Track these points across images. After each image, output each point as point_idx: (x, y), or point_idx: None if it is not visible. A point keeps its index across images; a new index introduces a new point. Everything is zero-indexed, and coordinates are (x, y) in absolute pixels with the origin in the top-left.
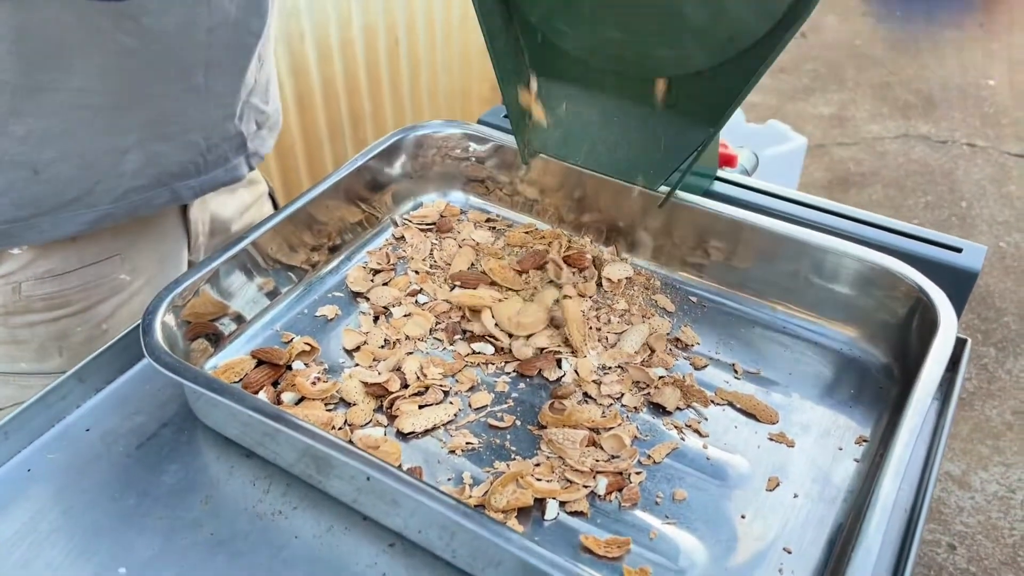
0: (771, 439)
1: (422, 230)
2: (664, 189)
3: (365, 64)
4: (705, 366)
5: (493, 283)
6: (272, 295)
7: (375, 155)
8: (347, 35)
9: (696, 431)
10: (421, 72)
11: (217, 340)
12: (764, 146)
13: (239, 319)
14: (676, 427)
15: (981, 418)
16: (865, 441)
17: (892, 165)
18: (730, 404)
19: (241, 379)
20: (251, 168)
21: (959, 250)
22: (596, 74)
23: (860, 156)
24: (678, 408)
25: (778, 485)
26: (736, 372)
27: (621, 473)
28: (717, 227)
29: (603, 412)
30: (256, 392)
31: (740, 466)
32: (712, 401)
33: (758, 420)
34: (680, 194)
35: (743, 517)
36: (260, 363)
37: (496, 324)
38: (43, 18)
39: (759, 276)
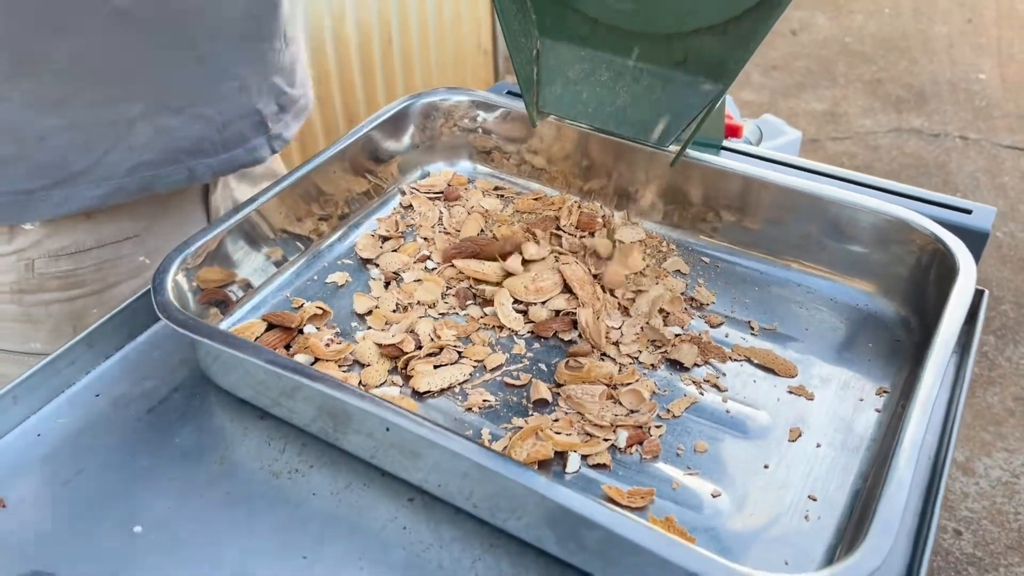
0: (790, 392)
1: (430, 199)
2: (674, 148)
3: (359, 63)
4: (721, 324)
5: (489, 256)
6: (280, 263)
7: (380, 123)
8: (341, 32)
9: (715, 386)
10: (415, 72)
11: (226, 307)
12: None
13: (247, 287)
14: (694, 382)
15: (983, 405)
16: (886, 392)
17: (886, 159)
18: (748, 360)
19: (254, 342)
20: (274, 151)
21: (969, 212)
22: (605, 33)
23: (854, 150)
24: (696, 364)
25: (800, 435)
26: (752, 329)
27: (641, 427)
28: (729, 185)
29: (620, 369)
30: None
31: (760, 419)
32: (729, 357)
33: (777, 374)
34: (691, 152)
35: (766, 467)
36: (271, 327)
37: (514, 300)
38: None
39: (772, 234)
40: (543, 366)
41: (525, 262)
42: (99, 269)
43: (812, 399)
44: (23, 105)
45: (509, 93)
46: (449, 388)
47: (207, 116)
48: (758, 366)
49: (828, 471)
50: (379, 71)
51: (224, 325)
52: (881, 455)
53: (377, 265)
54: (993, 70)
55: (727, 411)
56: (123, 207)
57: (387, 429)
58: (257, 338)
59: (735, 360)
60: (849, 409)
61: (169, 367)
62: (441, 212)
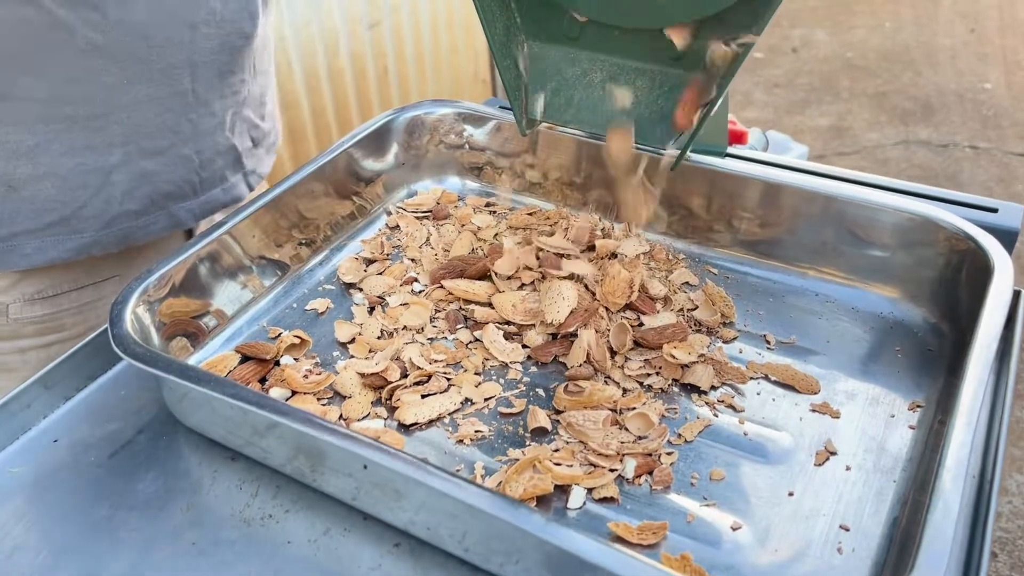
0: (814, 410)
1: (418, 218)
2: (674, 152)
3: (355, 95)
4: (734, 339)
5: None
6: (256, 290)
7: (361, 140)
8: (335, 64)
9: (730, 407)
10: (412, 99)
11: (197, 339)
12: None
13: (221, 316)
14: (707, 404)
15: (1012, 419)
16: (919, 407)
17: (894, 171)
18: (765, 377)
19: (225, 377)
20: (251, 188)
21: (995, 210)
22: (596, 32)
23: (861, 164)
24: (712, 387)
25: (827, 458)
26: (768, 343)
27: (650, 454)
28: (737, 190)
29: (624, 393)
30: None
31: (782, 441)
32: (747, 375)
33: (797, 391)
34: (695, 157)
35: (791, 495)
36: (246, 359)
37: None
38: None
39: (786, 240)
40: (541, 391)
41: (509, 278)
42: (78, 312)
43: (838, 417)
44: None
45: (502, 108)
46: (438, 419)
47: (186, 156)
48: (777, 383)
49: (861, 497)
50: (376, 103)
51: (195, 358)
52: (920, 477)
53: (361, 289)
54: (999, 79)
55: (744, 434)
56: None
57: (364, 467)
58: (230, 371)
59: (752, 378)
60: (880, 427)
61: (134, 408)
62: (430, 232)
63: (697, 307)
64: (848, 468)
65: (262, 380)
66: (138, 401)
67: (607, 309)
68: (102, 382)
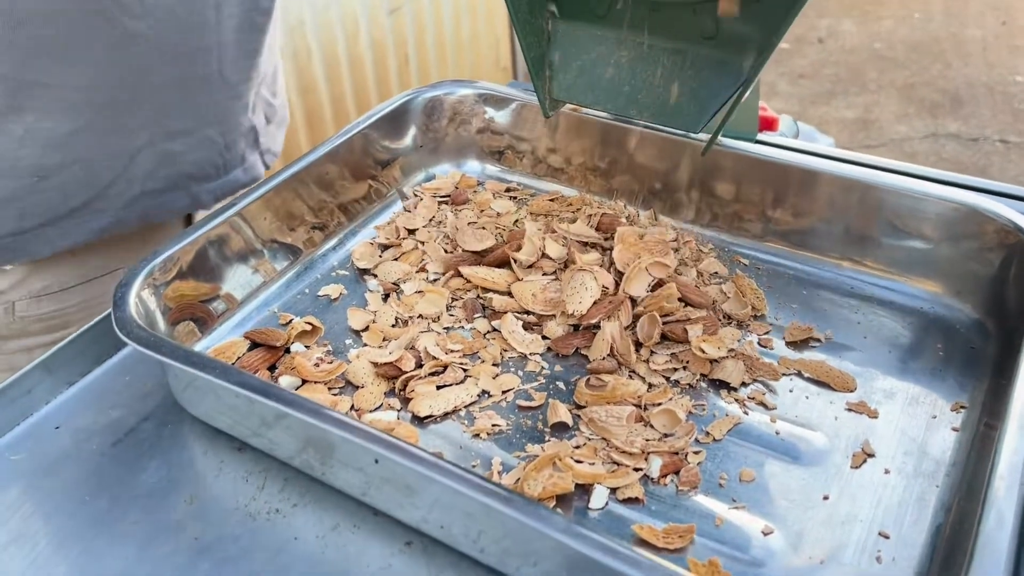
0: (850, 410)
1: (436, 202)
2: (705, 137)
3: (375, 83)
4: (766, 333)
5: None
6: (267, 275)
7: (377, 121)
8: (355, 52)
9: (761, 404)
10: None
11: (205, 324)
12: None
13: (230, 300)
14: (737, 400)
15: None
16: (963, 408)
17: (923, 165)
18: (798, 373)
19: (234, 363)
20: (267, 166)
21: None
22: (625, 7)
23: (888, 157)
24: (743, 383)
25: (865, 460)
26: (802, 338)
27: (677, 453)
28: (769, 176)
29: (649, 388)
30: None
31: (816, 441)
32: (779, 371)
33: (833, 389)
34: (724, 141)
35: (825, 498)
36: (255, 346)
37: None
38: (39, 3)
39: (821, 229)
40: (561, 384)
41: (530, 266)
42: (85, 307)
43: (876, 417)
44: (24, 141)
45: (524, 90)
46: (454, 411)
47: (210, 138)
48: (811, 380)
49: (901, 502)
50: (396, 90)
51: (203, 344)
52: (966, 483)
53: (375, 275)
54: None
55: (776, 432)
56: (111, 237)
57: (376, 461)
58: (238, 358)
59: (784, 374)
60: (920, 428)
61: (139, 395)
62: (447, 216)
63: (728, 299)
64: (887, 471)
65: (272, 368)
66: (143, 387)
67: (632, 300)
68: (106, 367)
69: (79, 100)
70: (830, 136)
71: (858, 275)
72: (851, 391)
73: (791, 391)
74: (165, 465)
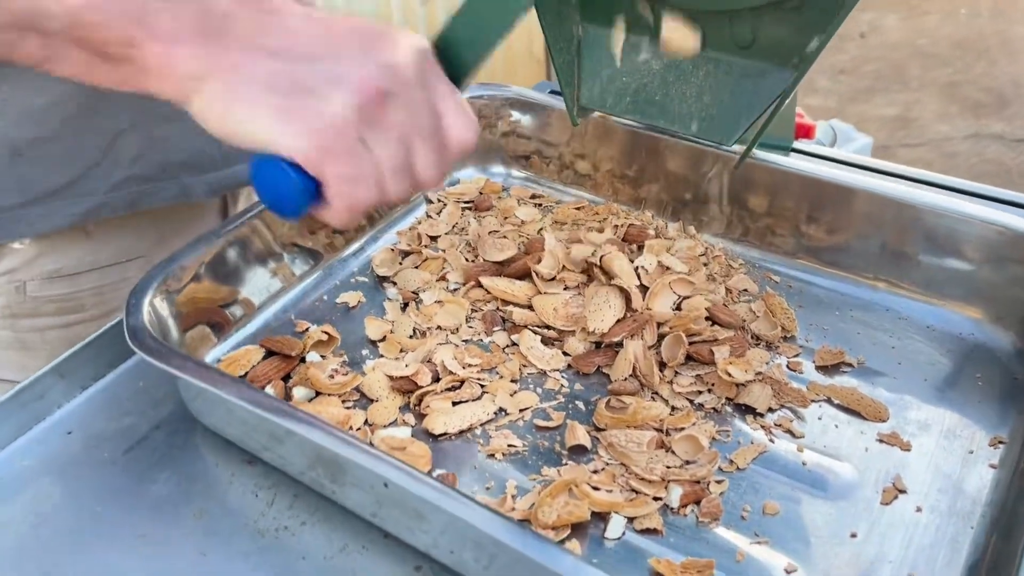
0: (881, 441)
1: (460, 208)
2: (739, 149)
3: None
4: (795, 356)
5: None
6: (286, 280)
7: None
8: None
9: (788, 431)
10: None
11: (222, 329)
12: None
13: (248, 306)
14: (763, 427)
15: None
16: (1003, 443)
17: (964, 166)
18: (828, 400)
19: (247, 372)
20: None
21: None
22: (658, 16)
23: (928, 157)
24: (770, 409)
25: (896, 497)
26: (832, 363)
27: (699, 482)
28: (803, 191)
29: (672, 411)
30: (263, 387)
31: (845, 473)
32: (808, 397)
33: (864, 418)
34: (758, 153)
35: (853, 536)
36: (270, 354)
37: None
38: None
39: (856, 248)
40: (581, 404)
41: (552, 279)
42: (99, 293)
43: (908, 450)
44: None
45: (552, 92)
46: (469, 429)
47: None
48: (840, 408)
49: (933, 543)
50: None
51: (218, 350)
52: (1003, 524)
53: (394, 283)
54: None
55: (803, 464)
56: (126, 225)
57: (385, 485)
58: (253, 367)
59: (814, 400)
60: (956, 464)
61: (152, 401)
62: (470, 223)
63: (757, 318)
64: (919, 509)
65: (286, 378)
66: (156, 394)
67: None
68: (120, 372)
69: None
70: (868, 135)
71: (894, 297)
72: (883, 421)
73: (820, 419)
74: (175, 476)
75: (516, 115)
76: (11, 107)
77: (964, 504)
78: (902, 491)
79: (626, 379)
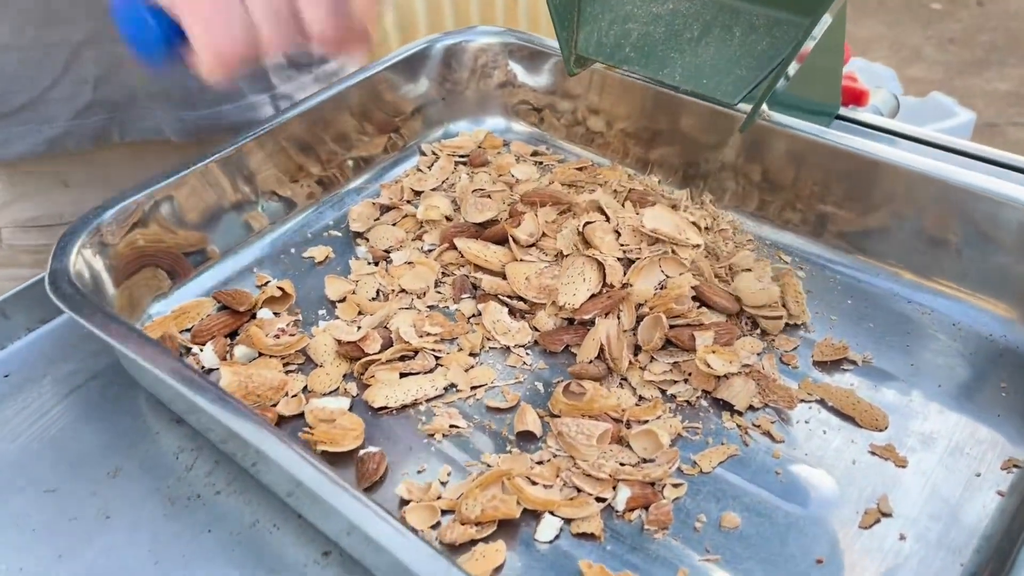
0: (873, 453)
1: (454, 161)
2: (746, 108)
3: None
4: (793, 349)
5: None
6: (256, 228)
7: (391, 68)
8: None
9: (768, 434)
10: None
11: (178, 277)
12: (922, 122)
13: (212, 255)
14: (739, 427)
15: None
16: (1017, 467)
17: None
18: (820, 402)
19: (193, 326)
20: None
21: None
22: None
23: None
24: (751, 408)
25: (878, 520)
26: (833, 358)
27: (652, 484)
28: (830, 164)
29: (639, 401)
30: (204, 343)
31: (824, 487)
32: (797, 397)
33: (858, 425)
34: (780, 118)
35: (819, 562)
36: (224, 308)
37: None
38: None
39: (887, 232)
40: (541, 386)
41: (532, 245)
42: None
43: (904, 466)
44: None
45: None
46: (413, 404)
47: None
48: (833, 411)
49: None
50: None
51: (171, 299)
52: (999, 563)
53: (367, 240)
54: None
55: (777, 472)
56: (108, 175)
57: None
58: (201, 320)
59: (803, 400)
60: (957, 487)
61: (93, 349)
62: (461, 179)
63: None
64: (903, 537)
65: (233, 335)
66: (99, 342)
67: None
68: (67, 317)
69: None
70: (972, 111)
71: (918, 288)
72: (880, 430)
73: (807, 422)
74: (101, 430)
75: (518, 64)
76: None
77: (958, 535)
78: (886, 514)
79: (591, 362)
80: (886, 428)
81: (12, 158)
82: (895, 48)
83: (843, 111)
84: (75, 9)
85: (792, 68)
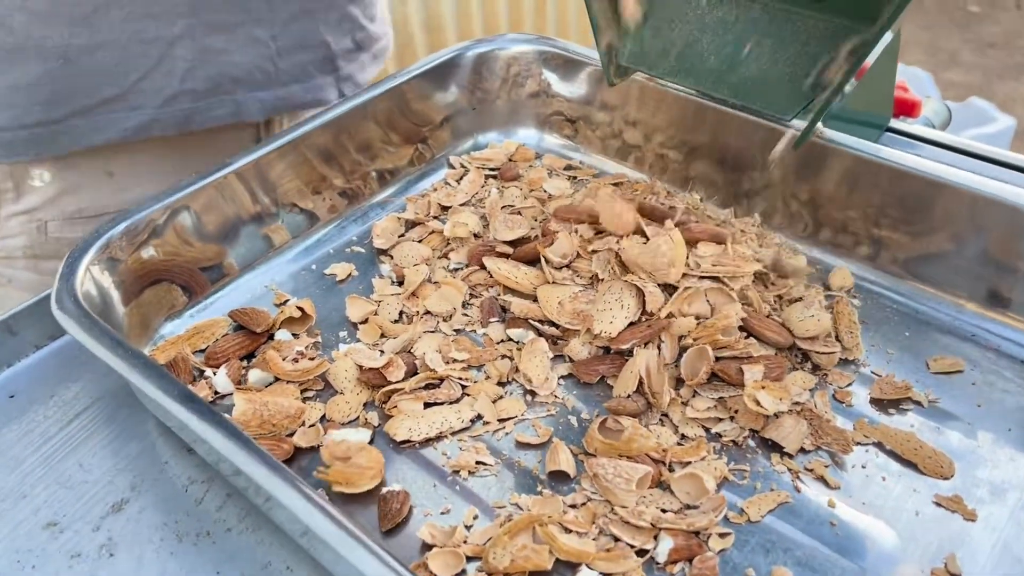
0: (938, 504)
1: (484, 175)
2: (801, 124)
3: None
4: (848, 385)
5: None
6: (277, 243)
7: (420, 77)
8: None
9: (822, 479)
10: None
11: (194, 293)
12: (959, 128)
13: (230, 269)
14: (791, 471)
15: None
16: None
17: None
18: (878, 445)
19: (207, 347)
20: (342, 94)
21: None
22: None
23: None
24: (803, 450)
25: None
26: (892, 398)
27: (697, 533)
28: (886, 184)
29: (681, 440)
30: (218, 365)
31: (885, 541)
32: (853, 440)
33: (920, 472)
34: (836, 135)
35: None
36: (241, 327)
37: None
38: None
39: (947, 258)
40: (574, 420)
41: (566, 267)
42: None
43: (973, 520)
44: (49, 20)
45: None
46: (438, 438)
47: (258, 39)
48: (893, 456)
49: None
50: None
51: (185, 317)
52: None
53: (392, 257)
54: None
55: (832, 524)
56: (153, 166)
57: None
58: (216, 340)
59: (859, 443)
60: None
61: (101, 370)
62: (491, 194)
63: (812, 333)
64: None
65: (250, 357)
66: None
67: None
68: None
69: None
70: (1012, 117)
71: (983, 319)
72: (946, 479)
73: (864, 467)
74: (108, 456)
75: (553, 73)
76: (62, 11)
77: None
78: (955, 575)
79: (630, 396)
80: (952, 476)
81: (100, 143)
82: (931, 52)
83: (893, 123)
84: (175, 8)
85: (849, 85)
